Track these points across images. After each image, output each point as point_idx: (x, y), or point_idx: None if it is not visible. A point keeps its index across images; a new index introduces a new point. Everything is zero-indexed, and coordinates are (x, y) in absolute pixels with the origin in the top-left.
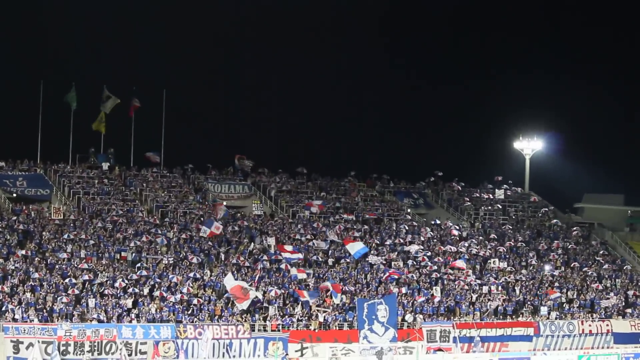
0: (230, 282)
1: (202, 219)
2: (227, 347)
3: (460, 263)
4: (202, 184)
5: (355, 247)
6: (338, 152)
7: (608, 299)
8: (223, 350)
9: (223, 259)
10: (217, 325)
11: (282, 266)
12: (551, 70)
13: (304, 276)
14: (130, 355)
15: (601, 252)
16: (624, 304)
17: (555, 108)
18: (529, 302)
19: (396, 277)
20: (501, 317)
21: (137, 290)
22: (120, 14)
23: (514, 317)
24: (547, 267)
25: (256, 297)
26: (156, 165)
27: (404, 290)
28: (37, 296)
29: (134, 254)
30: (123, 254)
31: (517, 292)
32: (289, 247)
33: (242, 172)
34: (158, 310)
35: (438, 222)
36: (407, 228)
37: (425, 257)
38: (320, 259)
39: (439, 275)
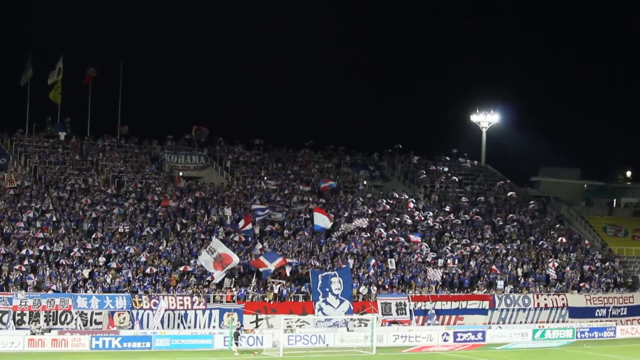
0: (219, 246)
1: (158, 189)
2: (183, 318)
3: (414, 237)
4: (159, 154)
5: (321, 220)
6: (294, 123)
7: (563, 272)
8: (178, 321)
9: (179, 230)
10: (172, 296)
11: (237, 238)
12: (508, 44)
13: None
14: (85, 325)
15: (557, 226)
16: (579, 278)
17: (512, 81)
18: (484, 275)
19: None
20: (456, 290)
21: (92, 260)
22: None
23: (469, 290)
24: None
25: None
26: (114, 136)
27: (357, 262)
28: None
29: (90, 224)
30: (79, 223)
31: (473, 265)
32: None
33: (197, 142)
34: (113, 280)
35: (396, 195)
36: (362, 200)
37: (380, 229)
38: (277, 231)
39: (393, 247)
